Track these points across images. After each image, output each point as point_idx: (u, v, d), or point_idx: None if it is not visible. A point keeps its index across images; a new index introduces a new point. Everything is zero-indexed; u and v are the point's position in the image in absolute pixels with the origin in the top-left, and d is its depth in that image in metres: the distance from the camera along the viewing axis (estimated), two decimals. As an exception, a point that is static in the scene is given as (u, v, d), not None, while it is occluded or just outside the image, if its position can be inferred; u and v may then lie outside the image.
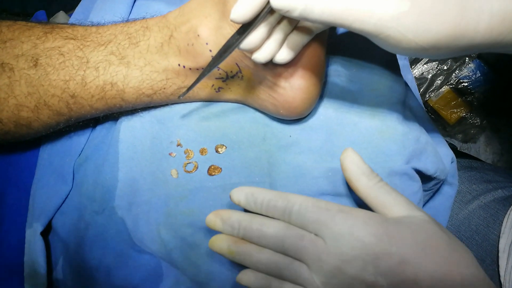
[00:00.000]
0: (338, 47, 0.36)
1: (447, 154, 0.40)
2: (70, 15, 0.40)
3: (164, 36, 0.31)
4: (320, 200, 0.27)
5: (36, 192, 0.36)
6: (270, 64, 0.29)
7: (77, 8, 0.39)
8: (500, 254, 0.38)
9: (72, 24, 0.33)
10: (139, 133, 0.34)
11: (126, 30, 0.32)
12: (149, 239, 0.32)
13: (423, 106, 0.43)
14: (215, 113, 0.34)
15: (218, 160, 0.33)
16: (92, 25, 0.33)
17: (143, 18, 0.33)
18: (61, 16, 0.39)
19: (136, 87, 0.31)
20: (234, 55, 0.30)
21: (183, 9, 0.31)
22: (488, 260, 0.39)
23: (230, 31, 0.28)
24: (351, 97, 0.34)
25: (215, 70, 0.31)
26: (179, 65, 0.31)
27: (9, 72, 0.30)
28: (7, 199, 0.36)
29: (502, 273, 0.37)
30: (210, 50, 0.30)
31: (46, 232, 0.36)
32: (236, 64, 0.30)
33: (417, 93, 0.46)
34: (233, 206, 0.31)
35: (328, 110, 0.34)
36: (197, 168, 0.32)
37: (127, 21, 0.33)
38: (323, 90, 0.34)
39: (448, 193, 0.42)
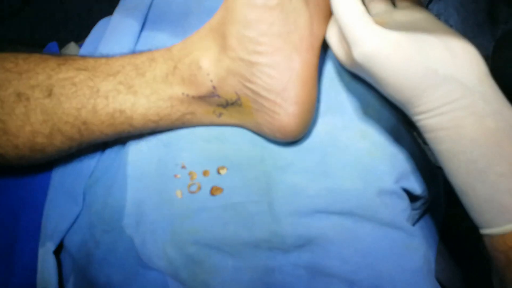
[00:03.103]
0: (330, 73, 0.38)
1: (434, 173, 0.42)
2: (80, 45, 0.43)
3: (169, 67, 0.33)
4: None
5: (49, 213, 0.37)
6: (266, 93, 0.32)
7: (86, 40, 0.42)
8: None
9: (84, 56, 0.35)
10: (146, 155, 0.37)
11: (133, 61, 0.34)
12: (156, 256, 0.34)
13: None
14: (216, 136, 0.36)
15: (220, 181, 0.35)
16: (102, 56, 0.35)
17: (149, 50, 0.35)
18: (72, 46, 0.41)
19: (143, 114, 0.34)
20: (233, 85, 0.32)
21: (186, 42, 0.34)
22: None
23: (229, 63, 0.31)
24: (342, 120, 0.36)
25: (215, 98, 0.34)
26: (182, 93, 0.33)
27: (25, 101, 0.32)
28: (21, 220, 0.38)
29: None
30: (211, 80, 0.32)
31: (58, 250, 0.37)
32: (236, 92, 0.33)
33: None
34: (227, 222, 0.33)
35: (321, 133, 0.36)
36: (200, 189, 0.34)
37: (134, 52, 0.36)
38: (316, 113, 0.36)
39: (437, 211, 0.44)
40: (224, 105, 0.34)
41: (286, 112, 0.32)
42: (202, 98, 0.34)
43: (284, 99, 0.32)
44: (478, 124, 0.25)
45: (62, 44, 0.43)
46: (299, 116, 0.33)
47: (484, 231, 0.27)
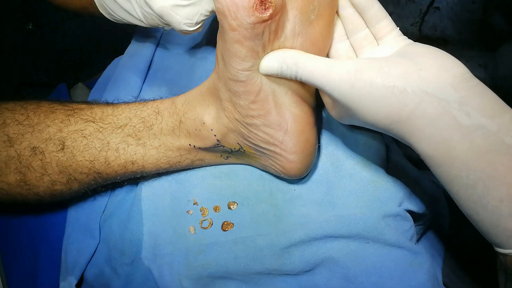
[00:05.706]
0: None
1: (434, 191, 0.43)
2: (86, 84, 0.44)
3: (175, 121, 0.34)
4: None
5: (68, 247, 0.39)
6: (265, 145, 0.33)
7: (97, 82, 0.43)
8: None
9: (90, 105, 0.36)
10: (159, 192, 0.38)
11: (139, 114, 0.35)
12: (172, 287, 0.36)
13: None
14: (226, 172, 0.38)
15: (230, 216, 0.36)
16: (108, 105, 0.36)
17: (153, 98, 0.37)
18: (79, 87, 0.43)
19: (154, 163, 0.35)
20: (235, 138, 0.34)
21: (188, 96, 0.35)
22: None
23: (227, 122, 0.32)
24: (345, 152, 0.37)
25: (221, 147, 0.35)
26: (189, 144, 0.35)
27: (40, 155, 0.34)
28: (41, 255, 0.40)
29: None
30: (215, 135, 0.34)
31: (78, 283, 0.39)
32: (238, 143, 0.34)
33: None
34: (237, 256, 0.34)
35: (326, 165, 0.37)
36: (212, 224, 0.36)
37: (139, 101, 0.37)
38: (320, 147, 0.38)
39: (441, 223, 0.46)
40: (230, 152, 0.36)
41: (287, 159, 0.34)
42: (207, 149, 0.35)
43: (283, 150, 0.33)
44: (467, 143, 0.23)
45: (68, 78, 0.44)
46: (300, 162, 0.34)
47: (497, 249, 0.25)
